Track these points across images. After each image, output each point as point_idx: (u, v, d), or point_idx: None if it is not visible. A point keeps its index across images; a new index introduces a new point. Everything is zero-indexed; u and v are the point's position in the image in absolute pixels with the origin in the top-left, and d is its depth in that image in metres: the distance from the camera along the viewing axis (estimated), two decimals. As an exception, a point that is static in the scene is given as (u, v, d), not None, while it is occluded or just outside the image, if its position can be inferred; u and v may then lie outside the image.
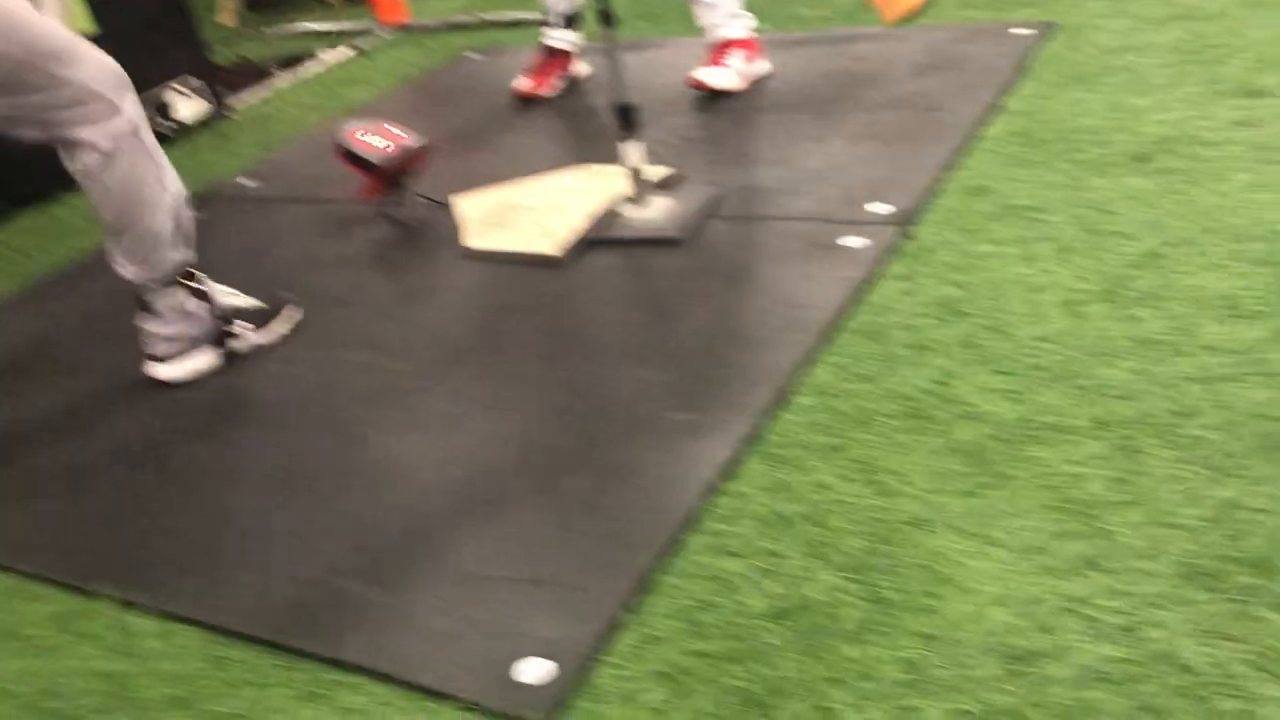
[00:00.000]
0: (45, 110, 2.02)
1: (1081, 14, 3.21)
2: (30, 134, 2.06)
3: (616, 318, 2.26)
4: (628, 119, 2.47)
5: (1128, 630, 1.35)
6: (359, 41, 4.65)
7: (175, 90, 3.94)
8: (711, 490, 1.71)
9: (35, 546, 1.94)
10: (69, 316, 2.78)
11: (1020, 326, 1.94)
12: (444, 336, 2.31)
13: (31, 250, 3.26)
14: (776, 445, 1.78)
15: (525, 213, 2.71)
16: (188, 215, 2.22)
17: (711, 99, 3.20)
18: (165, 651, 1.64)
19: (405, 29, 4.72)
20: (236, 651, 1.61)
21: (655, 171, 2.67)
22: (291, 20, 5.30)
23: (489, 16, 4.53)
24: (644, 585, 1.56)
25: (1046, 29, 3.17)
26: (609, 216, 2.58)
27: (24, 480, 2.14)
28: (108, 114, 2.05)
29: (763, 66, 3.29)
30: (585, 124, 3.37)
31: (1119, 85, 2.77)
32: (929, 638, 1.40)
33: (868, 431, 1.77)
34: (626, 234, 2.53)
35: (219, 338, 2.32)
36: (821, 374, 1.93)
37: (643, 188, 2.56)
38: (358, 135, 2.77)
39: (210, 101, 4.05)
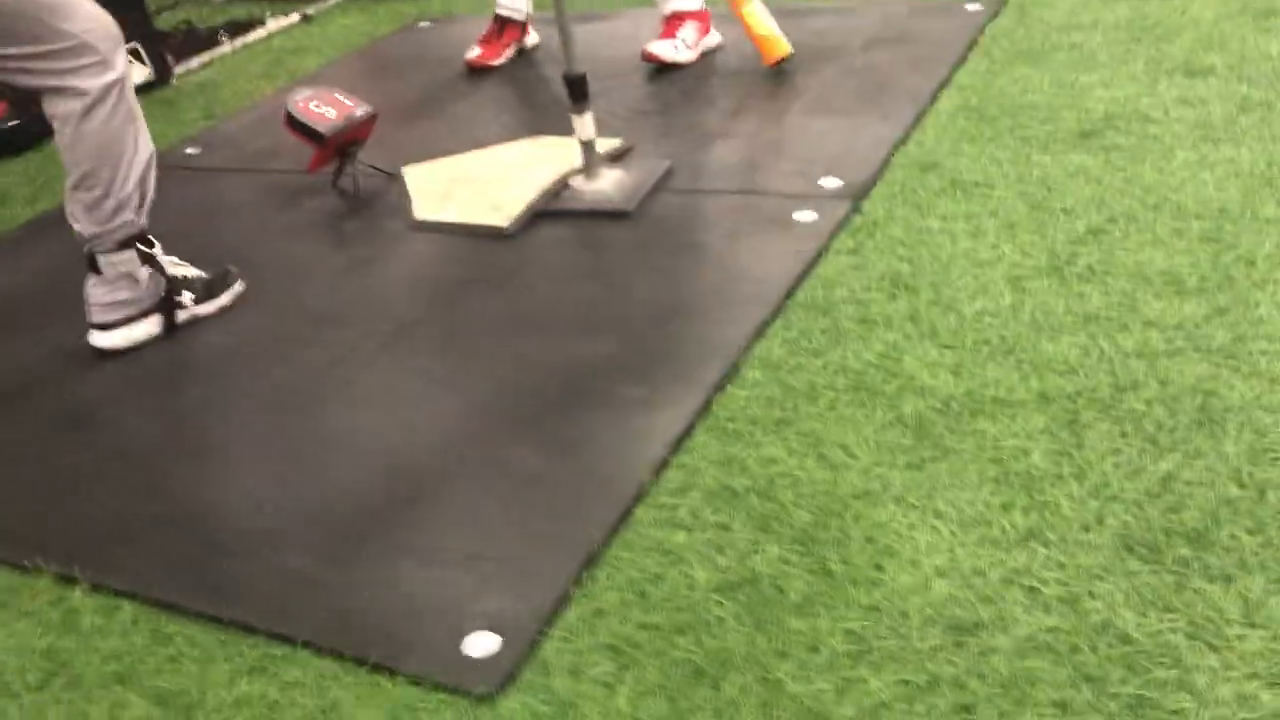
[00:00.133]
0: (38, 60, 2.03)
1: (1031, -10, 3.23)
2: (21, 82, 2.07)
3: (566, 291, 2.25)
4: (578, 90, 2.45)
5: (1068, 601, 1.37)
6: (307, 9, 4.57)
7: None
8: (661, 464, 1.71)
9: (-29, 521, 1.90)
10: (23, 276, 2.72)
11: (966, 301, 1.96)
12: (392, 309, 2.28)
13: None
14: (726, 419, 1.79)
15: (474, 184, 2.69)
16: (153, 181, 2.21)
17: (662, 71, 3.18)
18: (106, 627, 1.61)
19: (354, -5, 4.64)
20: (178, 626, 1.59)
21: (605, 143, 2.65)
22: (237, -15, 5.18)
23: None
24: (592, 559, 1.56)
25: (998, 5, 3.19)
26: (559, 188, 2.57)
27: (-40, 454, 2.10)
28: (99, 67, 2.06)
29: (714, 39, 3.28)
30: (536, 94, 3.35)
31: (1067, 62, 2.79)
32: (874, 609, 1.41)
33: (815, 405, 1.78)
34: (576, 206, 2.52)
35: (163, 308, 2.29)
36: (771, 348, 1.93)
37: (593, 160, 2.55)
38: (305, 104, 2.73)
39: (153, 68, 3.96)
